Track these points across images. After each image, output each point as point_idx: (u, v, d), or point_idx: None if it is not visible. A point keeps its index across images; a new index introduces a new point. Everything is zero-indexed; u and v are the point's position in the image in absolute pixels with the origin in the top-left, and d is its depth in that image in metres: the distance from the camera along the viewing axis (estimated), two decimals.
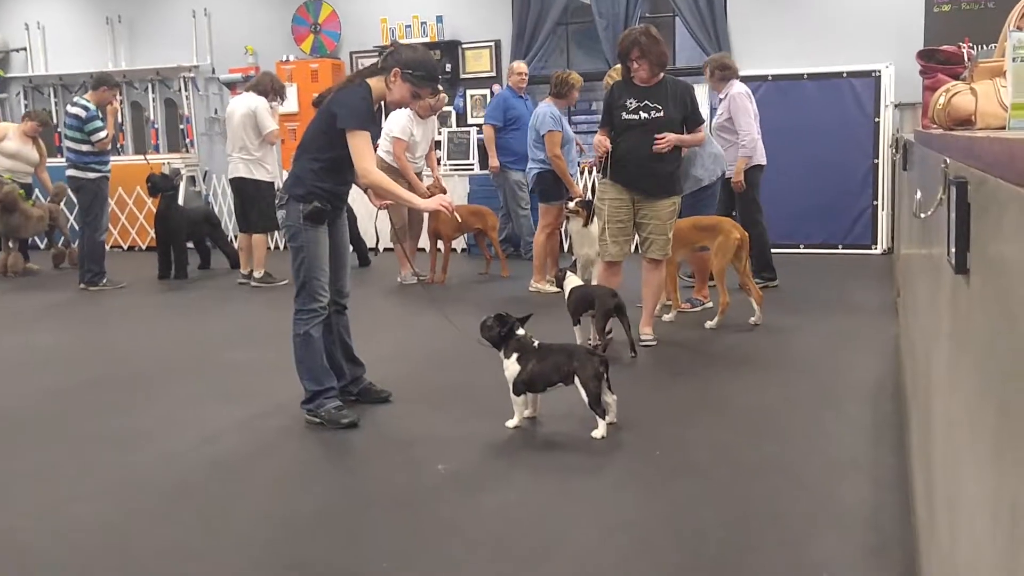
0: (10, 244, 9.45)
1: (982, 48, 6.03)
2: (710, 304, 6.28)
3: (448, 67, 10.39)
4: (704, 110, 8.08)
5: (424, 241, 8.25)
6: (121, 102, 11.31)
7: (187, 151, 11.66)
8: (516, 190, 8.13)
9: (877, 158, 8.87)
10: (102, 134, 7.99)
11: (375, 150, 4.18)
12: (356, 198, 6.34)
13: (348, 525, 3.09)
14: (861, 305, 6.43)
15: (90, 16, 12.03)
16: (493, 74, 10.50)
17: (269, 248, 8.74)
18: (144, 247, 10.88)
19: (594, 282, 6.52)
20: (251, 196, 8.03)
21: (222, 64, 11.49)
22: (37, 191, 9.73)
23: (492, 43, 10.49)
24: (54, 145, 11.03)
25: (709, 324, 5.78)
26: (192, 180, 11.19)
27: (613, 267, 5.49)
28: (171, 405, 4.59)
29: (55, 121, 11.41)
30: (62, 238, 10.02)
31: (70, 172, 8.13)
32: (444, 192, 7.40)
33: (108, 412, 4.50)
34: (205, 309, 7.36)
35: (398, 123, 7.54)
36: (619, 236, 5.40)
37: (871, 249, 9.00)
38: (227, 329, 6.59)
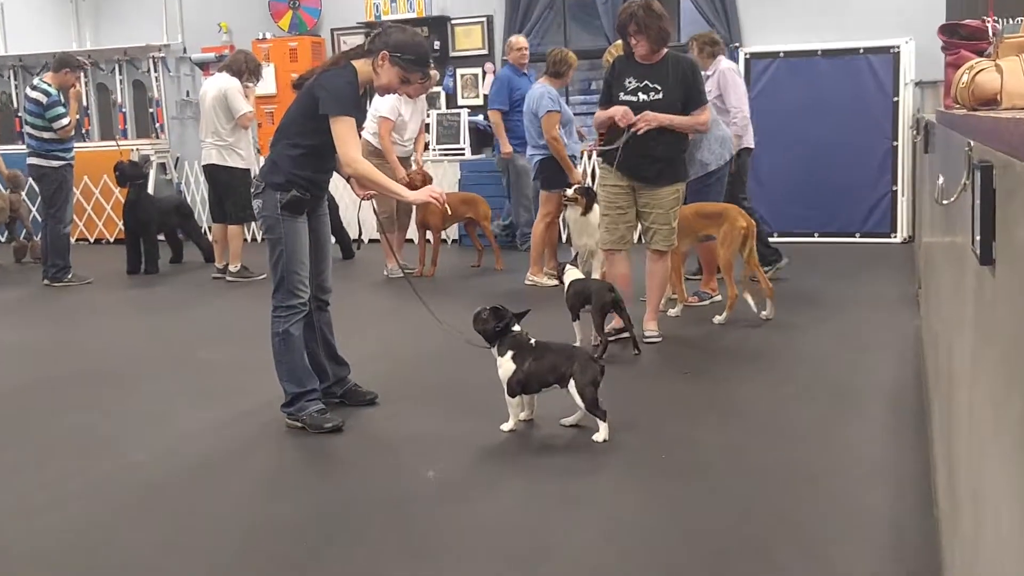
0: None
1: (1008, 22, 6.00)
2: (718, 297, 6.29)
3: (436, 44, 10.36)
4: None
5: (412, 232, 8.24)
6: (86, 84, 11.27)
7: (157, 136, 11.62)
8: (522, 176, 8.13)
9: (896, 140, 8.86)
10: (64, 120, 7.95)
11: (360, 135, 4.17)
12: (339, 186, 6.31)
13: (329, 537, 3.09)
14: (880, 298, 6.44)
15: None
16: (485, 52, 10.48)
17: (245, 240, 8.72)
18: (112, 240, 10.84)
19: (595, 274, 6.53)
20: (225, 184, 8.01)
21: (194, 43, 11.43)
22: None
23: (483, 19, 10.47)
24: (14, 131, 10.98)
25: (717, 319, 5.79)
26: (163, 168, 11.15)
27: (615, 256, 5.49)
28: (141, 407, 4.59)
29: (15, 105, 11.35)
30: (24, 230, 9.98)
31: (31, 160, 8.10)
32: (427, 180, 7.39)
33: (73, 413, 4.49)
34: (177, 305, 7.35)
35: (385, 102, 7.52)
36: (618, 223, 5.39)
37: (890, 238, 9.00)
38: (201, 327, 6.58)
